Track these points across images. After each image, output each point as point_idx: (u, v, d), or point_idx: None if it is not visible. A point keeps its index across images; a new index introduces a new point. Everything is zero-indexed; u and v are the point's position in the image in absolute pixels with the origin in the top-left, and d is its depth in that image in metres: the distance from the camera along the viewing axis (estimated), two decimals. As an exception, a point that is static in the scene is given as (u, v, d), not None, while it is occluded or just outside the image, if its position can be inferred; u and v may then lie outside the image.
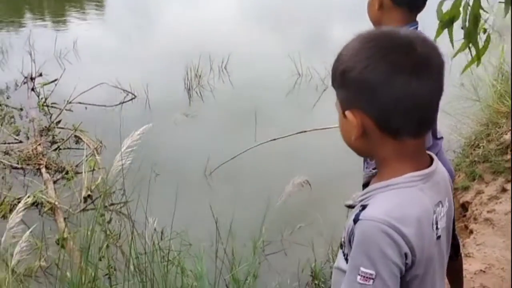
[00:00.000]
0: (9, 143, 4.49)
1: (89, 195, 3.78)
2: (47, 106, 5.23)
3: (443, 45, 0.99)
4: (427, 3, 1.81)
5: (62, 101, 5.18)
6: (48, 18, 9.30)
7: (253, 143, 4.27)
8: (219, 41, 6.89)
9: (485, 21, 1.99)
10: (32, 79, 5.67)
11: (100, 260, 2.59)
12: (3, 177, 4.03)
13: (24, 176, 4.08)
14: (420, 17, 1.83)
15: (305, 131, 4.39)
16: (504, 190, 3.22)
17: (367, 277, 0.89)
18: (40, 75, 5.74)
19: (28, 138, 4.63)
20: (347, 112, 0.95)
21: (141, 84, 5.41)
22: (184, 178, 3.95)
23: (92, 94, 5.27)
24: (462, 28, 1.74)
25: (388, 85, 0.90)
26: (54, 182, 3.95)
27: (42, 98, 5.35)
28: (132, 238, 2.39)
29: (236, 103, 5.46)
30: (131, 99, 5.51)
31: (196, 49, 6.13)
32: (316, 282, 2.96)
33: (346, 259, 0.97)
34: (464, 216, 3.27)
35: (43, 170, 4.07)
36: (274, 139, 4.25)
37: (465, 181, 3.48)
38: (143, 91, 5.41)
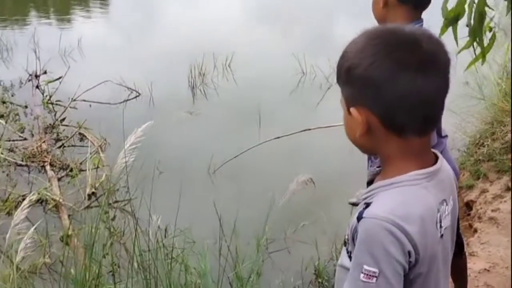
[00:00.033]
0: (13, 140, 4.51)
1: (93, 193, 3.80)
2: (52, 103, 5.25)
3: (448, 42, 0.98)
4: (432, 0, 1.81)
5: (66, 98, 5.20)
6: (52, 16, 9.33)
7: (257, 141, 4.26)
8: (223, 39, 6.89)
9: (491, 19, 1.98)
10: (36, 76, 5.69)
11: (104, 257, 2.60)
12: (7, 174, 4.05)
13: (29, 173, 4.10)
14: (425, 14, 1.82)
15: (309, 129, 4.39)
16: (508, 189, 3.21)
17: (370, 275, 0.89)
18: (45, 72, 5.75)
19: (32, 135, 4.65)
20: (352, 109, 0.95)
21: (145, 82, 5.42)
22: (188, 176, 3.96)
23: (96, 92, 5.29)
24: (467, 25, 1.73)
25: (394, 82, 0.90)
26: (59, 180, 3.96)
27: (46, 96, 5.37)
28: (136, 235, 2.40)
29: (240, 101, 5.46)
30: (135, 97, 5.52)
31: (200, 48, 6.14)
32: (320, 280, 2.96)
33: (350, 257, 0.97)
34: (469, 215, 3.26)
35: (48, 167, 4.09)
36: (278, 137, 4.25)
37: (469, 180, 3.47)
38: (147, 89, 5.42)
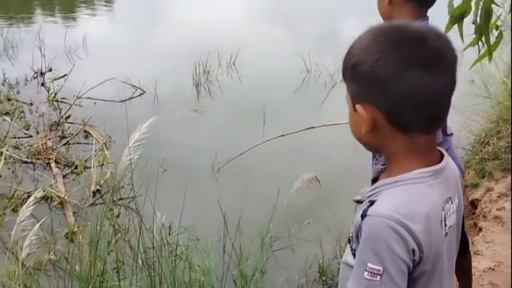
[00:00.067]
0: (19, 138, 4.52)
1: (98, 190, 3.81)
2: (57, 101, 5.26)
3: (453, 40, 0.97)
4: (438, -2, 1.80)
5: (71, 96, 5.22)
6: (58, 14, 9.35)
7: (261, 139, 4.26)
8: (228, 37, 6.88)
9: (498, 17, 1.97)
10: (42, 74, 5.71)
11: (108, 254, 2.61)
12: (13, 171, 4.07)
13: (34, 170, 4.11)
14: (430, 12, 1.81)
15: (313, 127, 4.38)
16: (514, 187, 3.19)
17: (374, 273, 0.89)
18: (50, 70, 5.77)
19: (38, 132, 4.67)
20: (357, 106, 0.94)
21: (149, 79, 5.43)
22: (192, 174, 3.97)
23: (101, 90, 5.30)
24: (473, 23, 1.72)
25: (400, 79, 0.89)
26: (64, 177, 3.98)
27: (51, 93, 5.39)
28: (140, 232, 2.40)
29: (244, 99, 5.46)
30: (140, 94, 5.52)
31: (205, 46, 6.13)
32: (324, 278, 2.96)
33: (354, 254, 0.97)
34: (474, 213, 3.25)
35: (53, 164, 4.10)
36: (283, 135, 4.24)
37: (474, 179, 3.46)
38: (151, 86, 5.42)
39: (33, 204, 2.44)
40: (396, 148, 0.95)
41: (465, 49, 1.77)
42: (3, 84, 5.71)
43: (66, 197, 3.62)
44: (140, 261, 2.40)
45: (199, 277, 2.57)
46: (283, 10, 8.68)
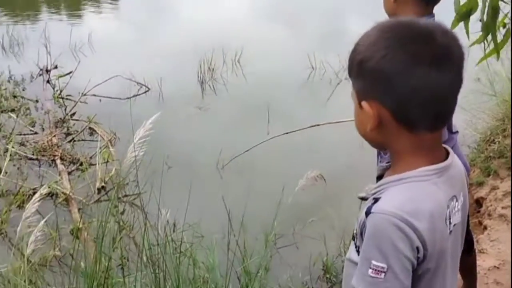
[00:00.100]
0: (24, 134, 4.55)
1: (103, 187, 3.82)
2: (62, 98, 5.28)
3: (459, 37, 0.97)
4: (444, -5, 1.79)
5: (77, 93, 5.23)
6: (63, 11, 9.37)
7: (266, 136, 4.26)
8: (233, 35, 6.87)
9: (506, 15, 1.95)
10: (47, 71, 5.73)
11: (113, 250, 2.61)
12: (19, 168, 4.09)
13: (39, 167, 4.13)
14: (436, 9, 1.81)
15: (318, 125, 4.37)
16: (519, 186, 3.18)
17: (378, 271, 0.89)
18: (56, 67, 5.79)
19: (43, 129, 4.69)
20: (363, 103, 0.94)
21: (154, 77, 5.44)
22: (197, 171, 3.97)
23: (106, 87, 5.31)
24: (480, 20, 1.71)
25: (406, 76, 0.88)
26: (69, 173, 3.99)
27: (57, 90, 5.41)
28: (145, 229, 2.41)
29: (249, 97, 5.46)
30: (145, 92, 5.53)
31: (209, 43, 6.13)
32: (328, 275, 2.96)
33: (358, 251, 0.97)
34: (479, 211, 3.24)
35: (58, 161, 4.12)
36: (287, 133, 4.24)
37: (480, 177, 3.44)
38: (156, 84, 5.43)
39: (39, 200, 2.45)
40: (401, 145, 0.95)
41: (471, 45, 1.75)
42: (9, 81, 5.73)
43: (71, 194, 3.64)
44: (144, 258, 2.41)
45: (203, 274, 2.57)
46: (288, 7, 8.66)
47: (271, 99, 4.94)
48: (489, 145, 3.76)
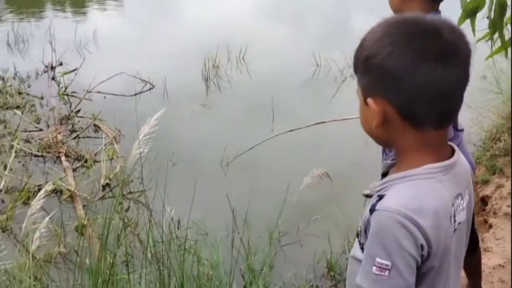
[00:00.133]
0: (30, 131, 4.56)
1: (107, 183, 3.83)
2: (67, 95, 5.30)
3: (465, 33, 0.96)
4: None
5: (81, 90, 5.24)
6: (68, 8, 9.39)
7: (271, 134, 4.26)
8: (237, 32, 6.87)
9: (513, 12, 1.93)
10: (52, 68, 5.75)
11: (118, 247, 2.62)
12: (24, 165, 4.10)
13: (44, 163, 4.15)
14: (442, 5, 1.79)
15: (323, 122, 4.37)
16: (525, 184, 3.16)
17: (382, 268, 0.88)
18: (61, 64, 5.81)
19: (48, 126, 4.70)
20: (368, 100, 0.93)
21: (159, 74, 5.44)
22: (201, 168, 3.97)
23: (111, 84, 5.32)
24: (487, 17, 1.70)
25: (413, 72, 0.87)
26: (74, 170, 4.01)
27: (62, 87, 5.42)
28: (149, 226, 2.41)
29: (253, 94, 5.45)
30: (149, 89, 5.54)
31: (214, 40, 6.13)
32: (332, 273, 2.96)
33: (362, 249, 0.97)
34: (484, 210, 3.22)
35: (63, 158, 4.13)
36: (292, 130, 4.23)
37: (485, 175, 3.43)
38: (161, 81, 5.43)
39: (44, 197, 2.46)
40: (407, 142, 0.94)
41: (477, 41, 1.74)
42: (14, 78, 5.76)
43: (76, 191, 3.65)
44: (149, 255, 2.41)
45: (208, 271, 2.58)
46: (292, 4, 8.65)
47: (275, 96, 4.93)
48: (495, 143, 3.74)
